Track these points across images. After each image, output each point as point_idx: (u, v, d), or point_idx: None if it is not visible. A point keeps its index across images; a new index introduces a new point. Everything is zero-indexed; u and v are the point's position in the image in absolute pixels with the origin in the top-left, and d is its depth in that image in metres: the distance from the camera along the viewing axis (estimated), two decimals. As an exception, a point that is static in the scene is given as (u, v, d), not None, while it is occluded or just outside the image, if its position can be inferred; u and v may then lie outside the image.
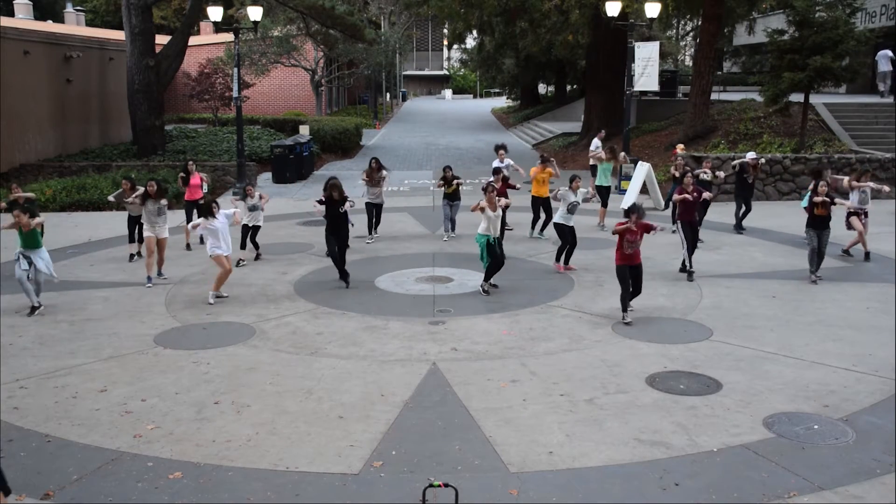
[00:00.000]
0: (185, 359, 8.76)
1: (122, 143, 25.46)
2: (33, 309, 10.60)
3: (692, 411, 7.30)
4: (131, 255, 13.54)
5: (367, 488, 5.99)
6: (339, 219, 11.72)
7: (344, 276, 11.87)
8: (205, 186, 14.94)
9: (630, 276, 10.00)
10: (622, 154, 16.90)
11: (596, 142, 20.21)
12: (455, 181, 14.97)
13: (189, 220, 14.43)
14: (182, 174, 14.89)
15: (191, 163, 15.03)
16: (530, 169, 15.10)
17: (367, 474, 6.19)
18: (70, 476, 6.16)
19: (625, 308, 9.99)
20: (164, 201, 12.19)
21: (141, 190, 12.65)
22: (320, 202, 11.81)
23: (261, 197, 13.47)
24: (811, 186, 13.34)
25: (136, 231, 13.36)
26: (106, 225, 16.43)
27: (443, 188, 14.96)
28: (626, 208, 10.38)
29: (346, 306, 10.77)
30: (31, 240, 10.64)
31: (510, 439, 6.75)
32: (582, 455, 6.48)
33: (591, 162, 18.79)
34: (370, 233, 15.16)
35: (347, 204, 11.73)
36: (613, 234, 10.08)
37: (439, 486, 4.88)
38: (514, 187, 14.23)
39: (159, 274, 12.24)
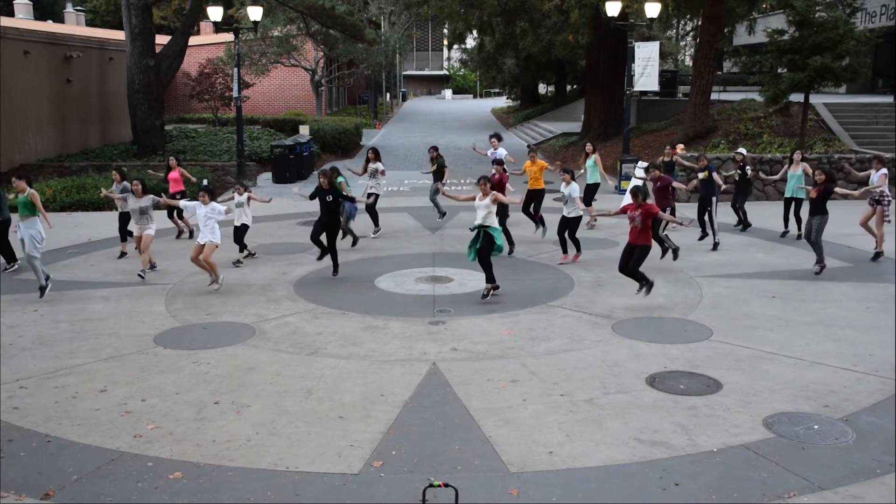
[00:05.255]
0: (185, 359, 8.76)
1: (122, 143, 25.46)
2: (42, 289, 10.98)
3: (692, 411, 7.30)
4: (121, 254, 13.70)
5: (367, 488, 5.99)
6: (326, 206, 12.06)
7: (334, 262, 12.31)
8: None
9: (629, 253, 10.41)
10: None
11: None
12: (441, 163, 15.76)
13: (171, 214, 14.81)
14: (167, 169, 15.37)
15: (172, 158, 15.36)
16: (524, 165, 15.10)
17: (367, 474, 6.19)
18: (70, 476, 6.15)
19: (641, 278, 10.44)
20: (148, 199, 12.31)
21: (126, 184, 13.25)
22: (311, 196, 12.35)
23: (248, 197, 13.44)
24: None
25: (125, 229, 13.74)
26: (106, 225, 16.41)
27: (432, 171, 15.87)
28: (631, 189, 10.50)
29: (346, 306, 10.77)
30: (21, 207, 11.23)
31: (510, 439, 6.75)
32: (582, 455, 6.48)
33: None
34: (375, 225, 15.34)
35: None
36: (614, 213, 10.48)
37: (439, 486, 4.88)
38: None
39: (141, 273, 12.08)
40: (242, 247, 13.41)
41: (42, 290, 11.00)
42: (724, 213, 15.78)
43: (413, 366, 8.50)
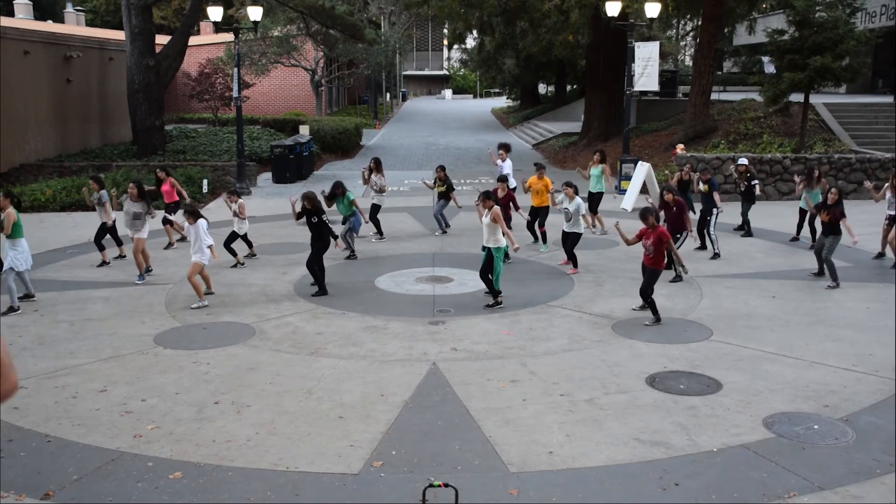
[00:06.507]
0: (185, 359, 8.76)
1: (122, 143, 25.47)
2: (10, 309, 10.44)
3: (692, 411, 7.30)
4: (120, 256, 13.53)
5: (367, 488, 5.99)
6: (313, 229, 11.49)
7: (319, 285, 11.46)
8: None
9: (643, 273, 10.14)
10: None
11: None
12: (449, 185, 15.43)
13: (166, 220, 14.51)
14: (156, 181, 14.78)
15: (159, 170, 14.82)
16: (529, 178, 14.40)
17: (367, 474, 6.19)
18: (70, 476, 6.15)
19: (653, 308, 10.01)
20: (142, 206, 12.18)
21: (103, 193, 12.98)
22: (298, 216, 11.91)
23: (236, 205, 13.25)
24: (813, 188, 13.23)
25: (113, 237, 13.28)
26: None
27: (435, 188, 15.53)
28: (641, 212, 10.18)
29: (346, 306, 10.77)
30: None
31: (510, 439, 6.75)
32: (582, 455, 6.48)
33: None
34: (377, 231, 15.24)
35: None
36: (629, 243, 10.14)
37: (439, 486, 4.88)
38: (516, 206, 13.43)
39: (139, 277, 12.07)
40: (241, 249, 13.41)
41: (10, 309, 10.42)
42: (728, 215, 15.73)
43: (413, 366, 8.50)
